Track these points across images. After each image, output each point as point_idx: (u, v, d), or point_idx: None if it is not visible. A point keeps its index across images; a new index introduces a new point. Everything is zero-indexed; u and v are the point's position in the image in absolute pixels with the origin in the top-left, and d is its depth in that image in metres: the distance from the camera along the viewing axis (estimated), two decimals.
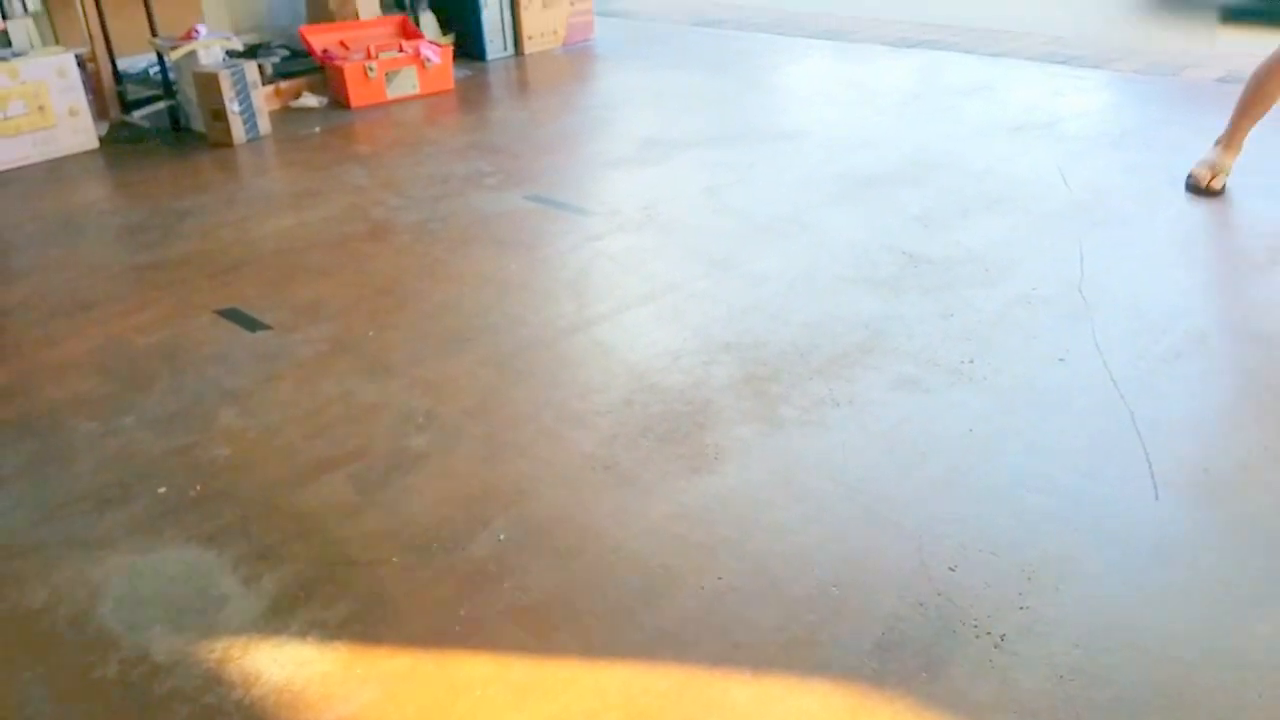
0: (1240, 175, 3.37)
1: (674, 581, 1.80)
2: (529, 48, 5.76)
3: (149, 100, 4.75)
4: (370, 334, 2.74)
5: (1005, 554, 1.82)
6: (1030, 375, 2.38)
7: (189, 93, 4.46)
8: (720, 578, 1.80)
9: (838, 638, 1.66)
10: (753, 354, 2.53)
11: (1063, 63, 4.94)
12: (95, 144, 4.39)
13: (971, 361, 2.43)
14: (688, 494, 2.03)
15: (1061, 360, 2.43)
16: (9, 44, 4.32)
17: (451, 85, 5.11)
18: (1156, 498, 1.95)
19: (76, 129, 4.31)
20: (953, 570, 1.79)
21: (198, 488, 2.12)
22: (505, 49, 5.71)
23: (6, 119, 4.11)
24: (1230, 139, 3.34)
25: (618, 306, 2.83)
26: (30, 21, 4.43)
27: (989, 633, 1.65)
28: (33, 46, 4.38)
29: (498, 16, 5.62)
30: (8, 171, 4.15)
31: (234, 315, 2.86)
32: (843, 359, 2.48)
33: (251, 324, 2.82)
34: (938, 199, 3.40)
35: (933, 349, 2.49)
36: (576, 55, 5.77)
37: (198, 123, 4.48)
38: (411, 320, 2.81)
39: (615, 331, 2.70)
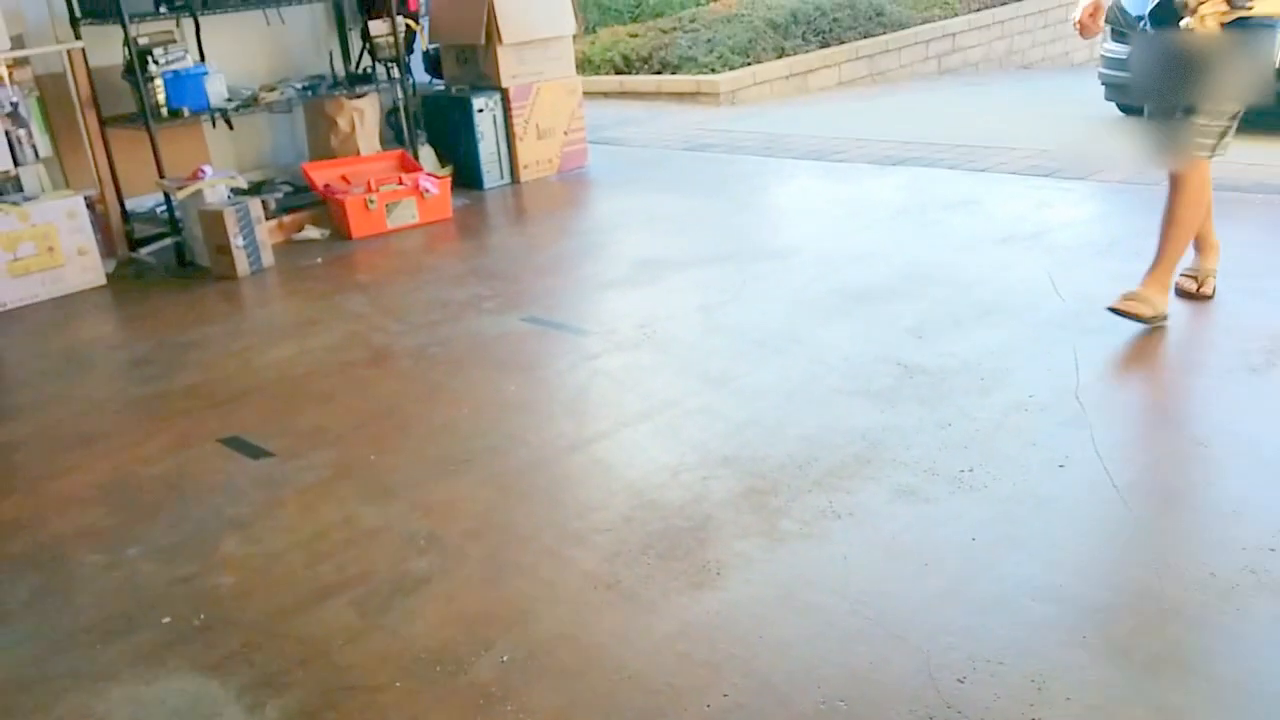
0: (1225, 278, 3.44)
1: (679, 700, 1.78)
2: (525, 176, 5.95)
3: (156, 237, 4.87)
4: (372, 458, 2.76)
5: (1014, 664, 1.80)
6: (1031, 482, 2.39)
7: (195, 229, 4.58)
8: (726, 695, 1.78)
9: None
10: (752, 468, 2.54)
11: (1047, 175, 5.10)
12: (103, 281, 4.49)
13: (971, 470, 2.45)
14: (690, 611, 2.02)
15: (1062, 466, 2.45)
16: (20, 189, 4.46)
17: (450, 214, 5.25)
18: (1165, 605, 1.94)
19: (85, 267, 4.42)
20: (961, 682, 1.77)
21: (201, 617, 2.11)
22: (502, 178, 5.90)
23: (16, 260, 4.21)
24: (1201, 244, 3.42)
25: (616, 424, 2.86)
26: (41, 167, 4.59)
27: None
28: (43, 190, 4.53)
29: (494, 148, 5.82)
30: (17, 310, 4.23)
31: (237, 443, 2.89)
32: (841, 470, 2.50)
33: (254, 451, 2.84)
34: (930, 311, 3.47)
35: (931, 459, 2.51)
36: (571, 182, 5.95)
37: (203, 258, 4.59)
38: (412, 444, 2.84)
39: (614, 449, 2.72)
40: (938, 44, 9.95)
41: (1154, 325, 3.17)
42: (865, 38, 9.45)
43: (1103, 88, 6.36)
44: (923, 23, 9.97)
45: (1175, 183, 3.11)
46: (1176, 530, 2.18)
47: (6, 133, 4.39)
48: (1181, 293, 3.40)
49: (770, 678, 1.82)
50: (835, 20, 9.43)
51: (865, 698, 1.75)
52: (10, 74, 4.40)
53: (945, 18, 10.16)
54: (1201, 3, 2.77)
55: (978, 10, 10.49)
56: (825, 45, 9.21)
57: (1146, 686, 1.73)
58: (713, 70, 8.61)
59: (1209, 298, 3.38)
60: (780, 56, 8.92)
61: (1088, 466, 2.43)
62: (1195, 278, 3.43)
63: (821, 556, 2.17)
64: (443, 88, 6.04)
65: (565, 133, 6.09)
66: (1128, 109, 6.44)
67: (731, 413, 2.86)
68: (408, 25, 5.68)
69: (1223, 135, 2.96)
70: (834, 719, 1.71)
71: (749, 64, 8.71)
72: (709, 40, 8.98)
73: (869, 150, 6.08)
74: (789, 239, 4.49)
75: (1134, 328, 3.15)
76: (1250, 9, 2.74)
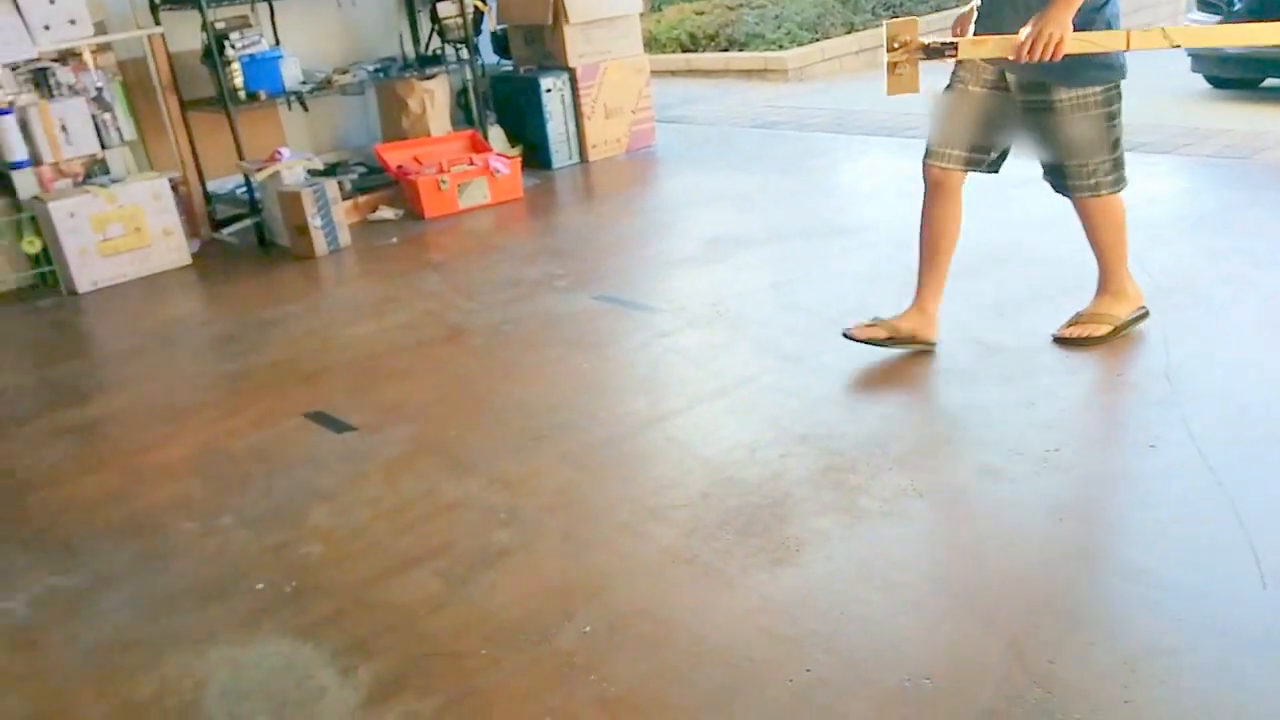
0: None
1: (760, 674, 1.79)
2: (593, 155, 5.95)
3: (237, 218, 4.99)
4: (450, 433, 2.81)
5: (1105, 646, 1.78)
6: (1120, 463, 2.34)
7: (274, 210, 4.68)
8: (808, 670, 1.79)
9: None
10: (829, 445, 2.53)
11: (1131, 150, 4.95)
12: (188, 260, 4.61)
13: (1057, 450, 2.41)
14: (770, 587, 2.02)
15: (1152, 447, 2.39)
16: (108, 171, 4.59)
17: (520, 194, 5.29)
18: (1264, 587, 1.89)
19: (170, 247, 4.54)
20: (1051, 663, 1.75)
21: (293, 584, 2.17)
22: (570, 158, 5.91)
23: (106, 240, 4.34)
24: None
25: (690, 401, 2.87)
26: (127, 150, 4.72)
27: None
28: (129, 173, 4.65)
29: (563, 127, 5.83)
30: (107, 289, 4.37)
31: (321, 418, 2.96)
32: (922, 449, 2.47)
33: (338, 426, 2.90)
34: (1011, 288, 3.41)
35: (1015, 438, 2.48)
36: (639, 161, 5.94)
37: (282, 238, 4.69)
38: (489, 419, 2.88)
39: (689, 426, 2.73)
40: None
41: (1123, 333, 2.90)
42: (937, 11, 9.25)
43: (1189, 59, 6.16)
44: None
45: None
46: (1275, 512, 2.12)
47: (93, 116, 4.51)
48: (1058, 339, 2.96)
49: (853, 654, 1.81)
50: None
51: (951, 676, 1.74)
52: (94, 60, 4.52)
53: None
54: (891, 49, 2.56)
55: None
56: (895, 19, 9.03)
57: (1246, 669, 1.69)
58: (780, 47, 8.52)
59: (1078, 343, 2.91)
60: (849, 32, 8.79)
61: (1180, 448, 2.37)
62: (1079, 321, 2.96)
63: (903, 535, 2.15)
64: (511, 68, 6.07)
65: (633, 112, 6.08)
66: (1216, 81, 6.23)
67: (807, 390, 2.84)
68: (475, 7, 5.71)
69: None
70: (919, 697, 1.70)
71: (817, 40, 8.60)
72: (776, 16, 8.88)
73: None
74: (861, 216, 4.44)
75: (1227, 305, 3.05)
76: (954, 55, 2.60)
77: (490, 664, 1.87)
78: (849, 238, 4.13)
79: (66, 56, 4.43)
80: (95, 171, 4.55)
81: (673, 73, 8.86)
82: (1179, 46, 2.48)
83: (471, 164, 5.20)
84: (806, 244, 4.10)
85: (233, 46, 4.71)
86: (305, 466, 2.68)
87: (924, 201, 2.95)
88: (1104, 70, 2.62)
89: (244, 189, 4.84)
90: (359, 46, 5.64)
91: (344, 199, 4.85)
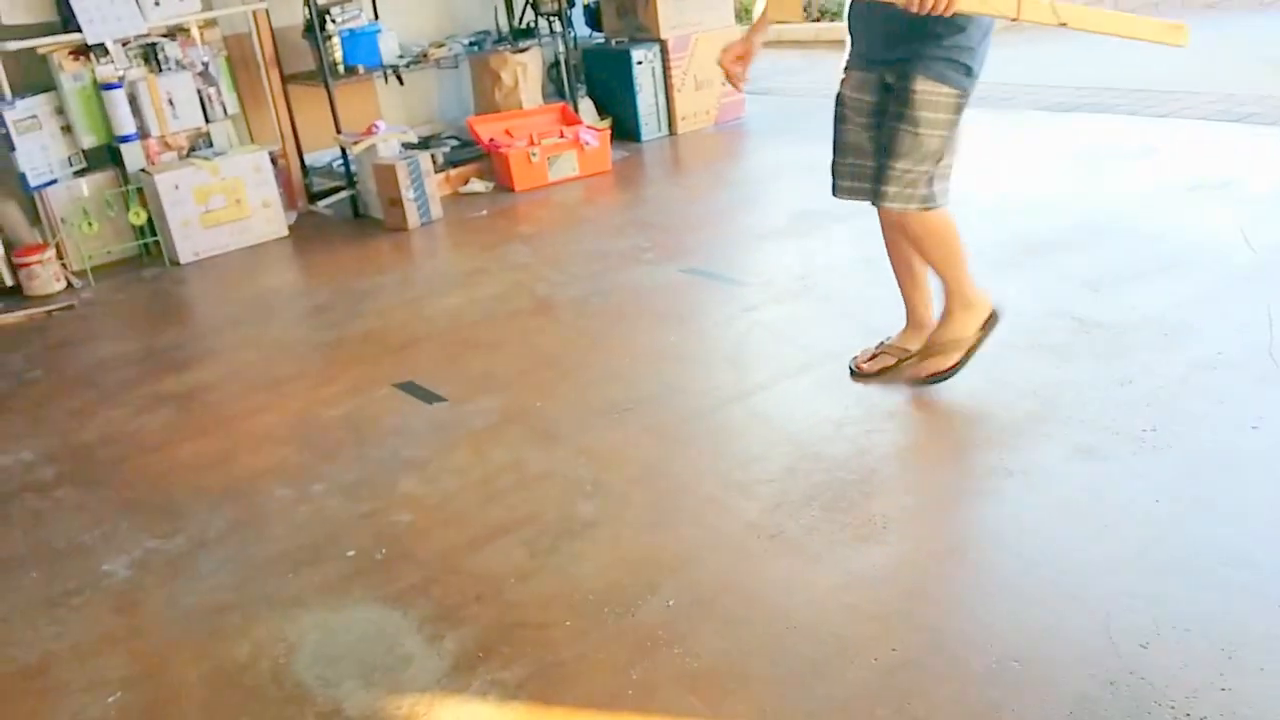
0: None
1: (846, 652, 1.78)
2: (682, 128, 5.92)
3: (333, 191, 5.10)
4: (538, 404, 2.84)
5: (1202, 631, 1.72)
6: (1220, 444, 2.25)
7: (368, 183, 4.77)
8: (894, 649, 1.77)
9: (1022, 715, 1.60)
10: (917, 421, 2.49)
11: (1237, 120, 4.74)
12: (285, 232, 4.74)
13: (1154, 429, 2.33)
14: (856, 563, 2.01)
15: (1255, 428, 2.30)
16: (211, 144, 4.74)
17: (609, 166, 5.29)
18: None
19: (269, 219, 4.67)
20: (1144, 648, 1.70)
21: (383, 551, 2.23)
22: (660, 130, 5.89)
23: (208, 212, 4.49)
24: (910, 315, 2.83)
25: (776, 375, 2.85)
26: (230, 123, 4.86)
27: (1187, 715, 1.56)
28: (231, 146, 4.79)
29: (652, 100, 5.81)
30: (208, 259, 4.52)
31: (411, 388, 3.02)
32: (1014, 427, 2.42)
33: (428, 396, 2.96)
34: (1108, 263, 3.29)
35: (1111, 416, 2.40)
36: (728, 133, 5.89)
37: (376, 210, 4.78)
38: (576, 391, 2.90)
39: (775, 400, 2.71)
40: None
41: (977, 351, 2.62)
42: None
43: None
44: None
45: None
46: None
47: (199, 91, 4.66)
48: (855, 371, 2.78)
49: (940, 634, 1.79)
50: None
51: (1041, 659, 1.71)
52: (202, 35, 4.65)
53: None
54: None
55: None
56: None
57: None
58: None
59: (931, 381, 2.64)
60: None
61: None
62: (886, 353, 2.77)
63: (994, 514, 2.11)
64: (602, 41, 6.06)
65: (722, 84, 6.01)
66: None
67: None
68: None
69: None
70: (1007, 679, 1.67)
71: None
72: None
73: (1038, 96, 5.78)
74: (956, 187, 4.32)
75: None
76: None
77: (575, 635, 1.89)
78: None
79: (175, 32, 4.57)
80: (199, 144, 4.70)
81: (763, 44, 8.74)
82: (1065, 25, 2.16)
83: (562, 137, 5.22)
84: None
85: (333, 21, 4.80)
86: (396, 436, 2.75)
87: (881, 228, 2.70)
88: (964, 75, 2.38)
89: (340, 161, 4.94)
90: (454, 20, 5.70)
91: (436, 171, 4.92)
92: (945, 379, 2.63)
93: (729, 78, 2.61)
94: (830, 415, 2.57)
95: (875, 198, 2.51)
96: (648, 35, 5.77)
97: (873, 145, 2.55)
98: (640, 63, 5.70)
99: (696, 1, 5.83)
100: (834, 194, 2.70)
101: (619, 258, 3.95)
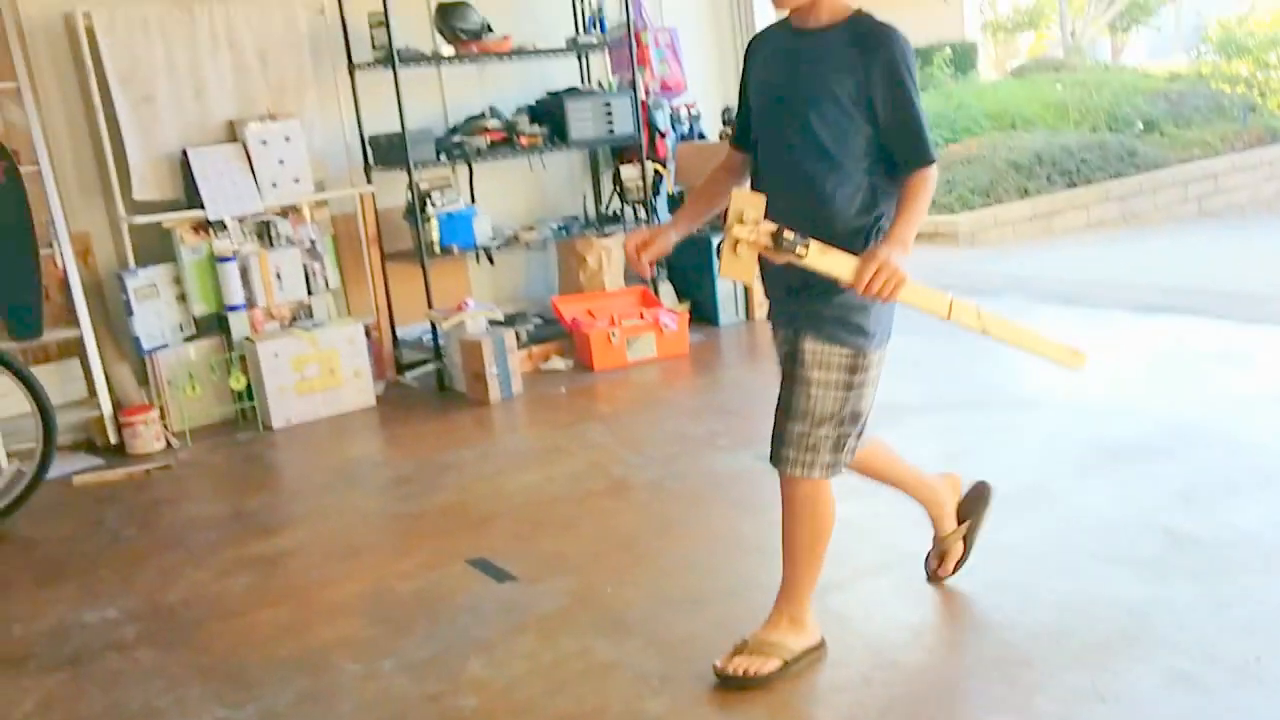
0: None
1: None
2: (759, 314, 6.05)
3: (420, 363, 5.28)
4: (609, 590, 2.82)
5: None
6: None
7: (454, 357, 4.94)
8: None
9: None
10: (1001, 634, 2.41)
11: None
12: (373, 402, 4.89)
13: (1258, 659, 2.21)
14: None
15: None
16: (311, 315, 4.98)
17: (687, 349, 5.40)
18: None
19: (359, 389, 4.84)
20: None
21: None
22: (737, 315, 6.02)
23: (303, 380, 4.67)
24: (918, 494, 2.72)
25: (854, 574, 2.79)
26: (330, 296, 5.11)
27: None
28: (330, 318, 5.02)
29: (730, 286, 5.97)
30: (299, 425, 4.67)
31: (484, 566, 3.03)
32: (1104, 647, 2.32)
33: (500, 575, 2.97)
34: (1201, 473, 3.21)
35: (1209, 642, 2.29)
36: None
37: (460, 383, 4.93)
38: (649, 578, 2.88)
39: (852, 601, 2.65)
40: (1198, 185, 9.45)
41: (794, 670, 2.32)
42: (1116, 178, 9.11)
43: None
44: (1181, 163, 9.52)
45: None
46: None
47: (304, 265, 4.93)
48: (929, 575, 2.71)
49: None
50: (1083, 161, 9.16)
51: None
52: (312, 214, 4.97)
53: (1206, 157, 9.66)
54: (739, 223, 2.05)
55: (1243, 150, 9.92)
56: (1072, 186, 8.94)
57: None
58: (951, 211, 8.53)
59: (741, 682, 2.31)
60: (1024, 197, 8.74)
61: None
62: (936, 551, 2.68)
63: None
64: None
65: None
66: None
67: (977, 571, 2.72)
68: (656, 170, 6.00)
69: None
70: None
71: (989, 205, 8.58)
72: (948, 181, 8.93)
73: (1124, 296, 5.79)
74: (1036, 386, 4.31)
75: None
76: (803, 255, 2.05)
77: None
78: (1021, 410, 4.01)
79: (288, 210, 4.89)
80: (300, 315, 4.94)
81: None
82: (986, 333, 2.17)
83: (642, 319, 5.37)
84: (976, 413, 4.00)
85: (433, 204, 5.09)
86: (466, 614, 2.74)
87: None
88: (857, 335, 2.20)
89: (429, 335, 5.14)
90: (545, 205, 6.00)
91: (519, 348, 5.07)
92: (753, 686, 2.28)
93: (631, 263, 2.37)
94: (909, 621, 2.51)
95: (773, 460, 2.32)
96: None
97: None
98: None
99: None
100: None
101: (695, 441, 3.97)
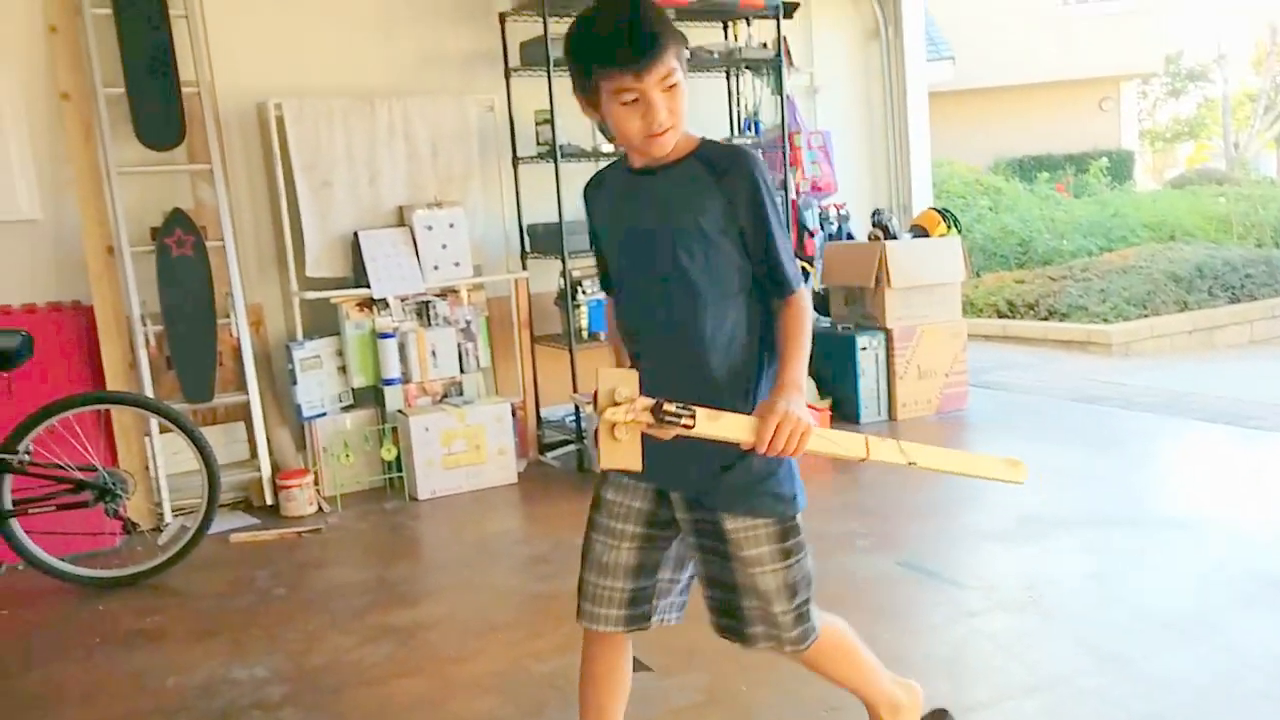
0: None
1: None
2: (901, 414, 5.96)
3: (561, 444, 5.40)
4: (743, 689, 2.79)
5: None
6: None
7: (594, 440, 5.03)
8: None
9: None
10: None
11: None
12: (514, 479, 5.02)
13: None
14: None
15: None
16: (462, 392, 5.17)
17: None
18: None
19: (501, 466, 4.98)
20: None
21: None
22: (879, 414, 5.95)
23: (450, 454, 4.84)
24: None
25: (998, 695, 2.69)
26: (480, 374, 5.30)
27: None
28: (479, 395, 5.21)
29: (874, 384, 5.92)
30: (443, 498, 4.82)
31: None
32: None
33: (634, 664, 2.96)
34: None
35: None
36: (949, 423, 5.87)
37: (599, 466, 5.00)
38: (784, 679, 2.83)
39: None
40: None
41: None
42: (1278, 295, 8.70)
43: None
44: None
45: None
46: None
47: (459, 344, 5.15)
48: None
49: None
50: (1248, 276, 8.79)
51: None
52: (469, 296, 5.20)
53: None
54: (613, 404, 1.78)
55: None
56: (1235, 301, 8.57)
57: None
58: (1105, 320, 8.27)
59: None
60: (1182, 310, 8.41)
61: None
62: None
63: None
64: (828, 325, 6.30)
65: (946, 375, 6.07)
66: None
67: (1133, 702, 2.58)
68: (803, 268, 6.05)
69: None
70: None
71: (1145, 316, 8.28)
72: (1102, 290, 8.68)
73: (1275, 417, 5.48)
74: (1196, 508, 4.10)
75: None
76: (690, 426, 1.80)
77: None
78: (1180, 531, 3.81)
79: (447, 292, 5.13)
80: (451, 392, 5.14)
81: (987, 337, 8.80)
82: (913, 465, 1.97)
83: None
84: (1131, 532, 3.82)
85: (584, 292, 5.26)
86: None
87: (582, 660, 2.29)
88: (773, 500, 2.01)
89: (572, 418, 5.25)
90: None
91: None
92: None
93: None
94: None
95: (745, 643, 2.16)
96: (873, 323, 5.96)
97: (639, 565, 2.15)
98: (864, 349, 5.86)
99: (924, 296, 6.01)
100: (579, 618, 2.20)
101: (833, 541, 3.92)
